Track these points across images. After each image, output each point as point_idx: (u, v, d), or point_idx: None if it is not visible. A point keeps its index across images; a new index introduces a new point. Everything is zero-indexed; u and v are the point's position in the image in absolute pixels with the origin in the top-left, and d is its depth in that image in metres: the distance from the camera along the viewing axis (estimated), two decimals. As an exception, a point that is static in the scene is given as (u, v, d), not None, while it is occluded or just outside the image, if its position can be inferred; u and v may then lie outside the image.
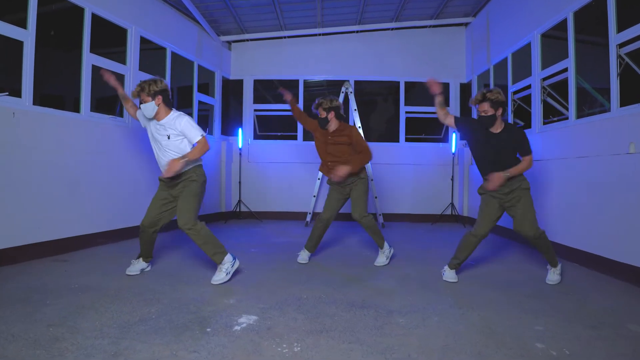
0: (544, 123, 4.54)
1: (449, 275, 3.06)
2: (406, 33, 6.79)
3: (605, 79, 3.43)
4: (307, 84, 6.87)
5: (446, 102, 6.83)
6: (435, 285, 2.94)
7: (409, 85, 6.87)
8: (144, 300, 2.46)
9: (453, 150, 6.59)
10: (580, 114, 3.92)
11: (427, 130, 7.12)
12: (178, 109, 2.96)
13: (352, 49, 6.83)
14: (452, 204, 6.62)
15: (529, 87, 4.75)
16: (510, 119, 5.22)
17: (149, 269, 3.20)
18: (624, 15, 3.27)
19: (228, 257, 2.92)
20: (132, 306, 2.36)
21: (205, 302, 2.48)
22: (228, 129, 6.86)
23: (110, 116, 4.42)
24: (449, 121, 3.08)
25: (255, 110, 6.98)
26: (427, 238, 5.19)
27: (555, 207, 4.04)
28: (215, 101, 6.58)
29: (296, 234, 5.35)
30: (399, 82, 6.79)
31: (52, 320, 2.10)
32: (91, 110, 4.09)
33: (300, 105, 6.62)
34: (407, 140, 6.83)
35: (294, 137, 6.95)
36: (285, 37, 6.85)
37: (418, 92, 7.05)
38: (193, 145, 2.87)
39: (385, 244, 3.59)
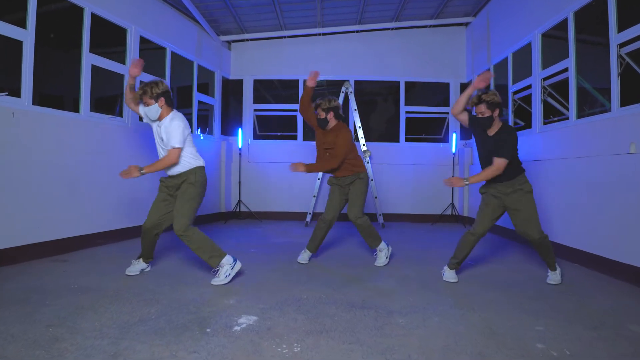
0: (545, 123, 4.54)
1: (449, 275, 3.06)
2: (406, 33, 6.79)
3: (606, 79, 3.43)
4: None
5: (446, 102, 6.84)
6: (435, 286, 2.93)
7: (409, 85, 6.87)
8: (143, 301, 2.46)
9: (453, 150, 6.59)
10: (580, 114, 3.91)
11: (427, 130, 7.12)
12: (178, 109, 2.95)
13: (352, 49, 6.83)
14: (452, 204, 6.62)
15: (529, 87, 4.75)
16: (511, 119, 5.22)
17: (148, 269, 3.20)
18: (624, 15, 3.26)
19: (227, 259, 2.90)
20: (131, 306, 2.35)
21: (205, 302, 2.47)
22: (228, 129, 6.85)
23: (110, 116, 4.41)
24: (464, 117, 2.99)
25: (255, 110, 6.98)
26: (427, 238, 5.19)
27: (555, 207, 4.03)
28: (215, 101, 6.57)
29: (296, 234, 5.35)
30: (399, 82, 6.79)
31: (51, 321, 2.09)
32: (91, 110, 4.09)
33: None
34: (407, 140, 6.83)
35: (294, 137, 6.95)
36: (285, 37, 6.84)
37: (418, 92, 7.05)
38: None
39: (383, 243, 3.57)
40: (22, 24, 3.34)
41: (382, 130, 7.31)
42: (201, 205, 2.99)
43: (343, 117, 3.57)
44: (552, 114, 4.62)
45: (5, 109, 3.21)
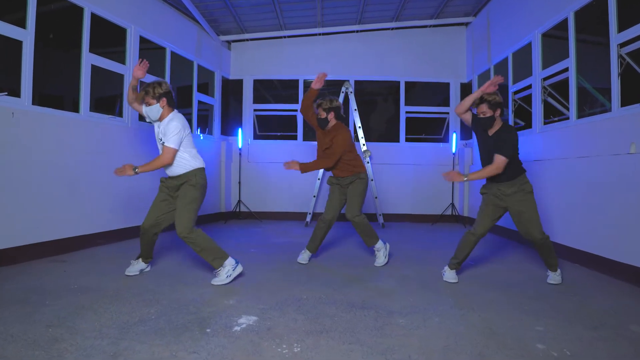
0: (545, 123, 4.53)
1: (449, 275, 3.06)
2: (406, 33, 6.79)
3: (606, 79, 3.43)
4: (307, 83, 6.85)
5: (446, 102, 6.84)
6: (435, 286, 2.93)
7: (409, 85, 6.87)
8: (143, 301, 2.45)
9: (453, 150, 6.59)
10: (581, 114, 3.91)
11: (427, 130, 7.12)
12: (177, 108, 2.94)
13: (352, 49, 6.83)
14: (452, 204, 6.61)
15: (529, 87, 4.75)
16: (511, 119, 5.22)
17: (148, 269, 3.19)
18: (624, 15, 3.26)
19: (229, 261, 2.90)
20: (131, 307, 2.35)
21: (205, 302, 2.47)
22: (228, 129, 6.85)
23: (110, 116, 4.41)
24: (467, 116, 3.01)
25: (255, 110, 6.97)
26: (427, 238, 5.19)
27: (555, 207, 4.03)
28: (215, 101, 6.57)
29: (296, 234, 5.34)
30: (399, 82, 6.79)
31: (51, 321, 2.09)
32: (90, 110, 4.08)
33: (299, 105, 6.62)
34: (407, 140, 6.82)
35: (294, 137, 6.94)
36: (285, 37, 6.84)
37: (418, 92, 7.05)
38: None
39: (380, 242, 3.56)
40: (21, 23, 3.34)
41: (382, 130, 7.31)
42: (201, 206, 2.99)
43: (344, 117, 3.58)
44: (552, 114, 4.62)
45: (5, 109, 3.21)
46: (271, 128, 7.16)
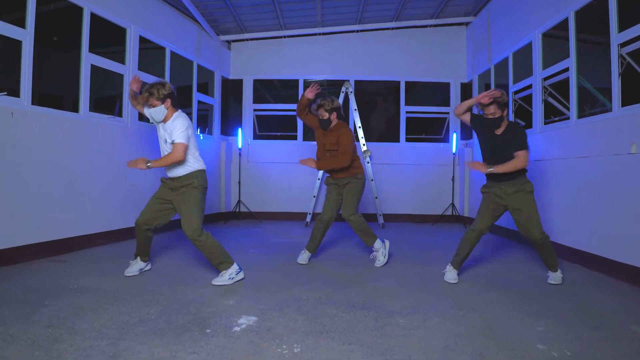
0: (545, 123, 4.53)
1: (450, 276, 3.05)
2: (406, 32, 6.78)
3: (607, 79, 3.42)
4: (307, 83, 6.85)
5: (446, 102, 6.83)
6: (435, 286, 2.93)
7: (410, 85, 6.86)
8: (143, 301, 2.45)
9: (454, 150, 6.59)
10: (581, 114, 3.91)
11: (427, 130, 7.11)
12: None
13: (352, 49, 6.82)
14: (452, 204, 6.61)
15: (530, 87, 4.74)
16: (511, 119, 5.21)
17: (148, 267, 3.19)
18: (625, 15, 3.26)
19: (234, 267, 2.92)
20: (131, 307, 2.34)
21: (205, 303, 2.47)
22: (227, 129, 6.85)
23: (109, 116, 4.41)
24: (466, 117, 3.06)
25: (254, 110, 6.97)
26: (427, 238, 5.18)
27: (555, 207, 4.02)
28: (215, 101, 6.57)
29: (296, 234, 5.34)
30: (399, 82, 6.78)
31: (50, 321, 2.09)
32: (90, 110, 4.08)
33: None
34: (407, 140, 6.82)
35: (294, 137, 6.94)
36: (285, 37, 6.83)
37: (418, 91, 7.04)
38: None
39: (378, 241, 3.56)
40: (21, 23, 3.33)
41: (382, 130, 7.31)
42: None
43: (343, 116, 3.59)
44: (552, 114, 4.61)
45: (5, 109, 3.21)
46: (271, 128, 7.16)
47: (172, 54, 5.42)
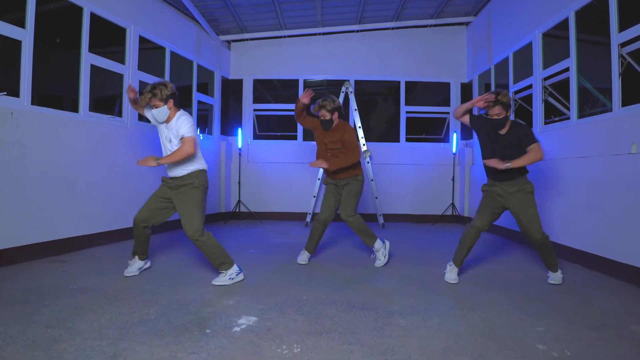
0: (545, 123, 4.53)
1: (450, 276, 3.05)
2: (407, 32, 6.78)
3: (607, 79, 3.42)
4: (307, 83, 6.85)
5: (447, 102, 6.83)
6: (435, 286, 2.92)
7: (410, 85, 6.86)
8: (142, 302, 2.45)
9: (454, 150, 6.58)
10: (581, 114, 3.90)
11: (427, 130, 7.11)
12: (177, 108, 2.94)
13: (352, 49, 6.82)
14: (452, 204, 6.61)
15: (530, 87, 4.74)
16: (512, 119, 5.20)
17: (147, 265, 3.19)
18: (625, 15, 3.26)
19: (234, 267, 2.92)
20: (130, 307, 2.34)
21: (205, 303, 2.47)
22: (227, 129, 6.84)
23: (109, 116, 4.40)
24: (465, 119, 3.09)
25: (254, 110, 6.97)
26: (427, 238, 5.18)
27: (555, 207, 4.02)
28: (215, 101, 6.56)
29: (296, 234, 5.34)
30: (399, 82, 6.78)
31: (50, 322, 2.09)
32: (90, 110, 4.08)
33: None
34: (407, 140, 6.82)
35: (294, 137, 6.93)
36: (285, 37, 6.83)
37: (419, 91, 7.04)
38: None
39: (378, 241, 3.56)
40: (21, 23, 3.33)
41: (382, 130, 7.30)
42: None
43: (343, 115, 3.59)
44: (553, 114, 4.61)
45: (4, 109, 3.21)
46: (271, 128, 7.15)
47: (172, 54, 5.41)
